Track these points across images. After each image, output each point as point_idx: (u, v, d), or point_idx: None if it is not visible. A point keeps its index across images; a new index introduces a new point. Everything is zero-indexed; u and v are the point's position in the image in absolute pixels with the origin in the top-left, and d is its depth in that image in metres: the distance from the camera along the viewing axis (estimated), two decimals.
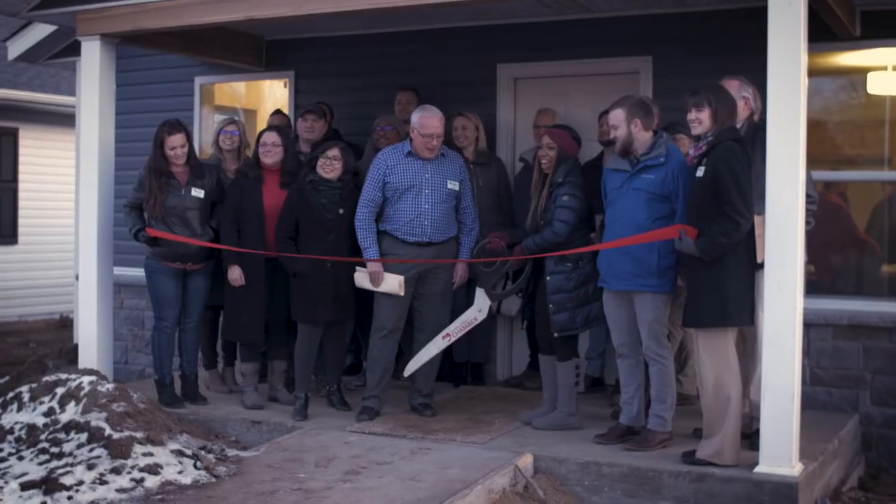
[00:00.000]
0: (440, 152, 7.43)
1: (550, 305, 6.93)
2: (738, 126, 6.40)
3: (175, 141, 7.65)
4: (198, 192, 7.72)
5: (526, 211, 7.41)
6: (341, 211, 7.46)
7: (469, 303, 8.07)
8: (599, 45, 8.72)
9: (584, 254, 6.87)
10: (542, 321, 7.05)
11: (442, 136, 7.38)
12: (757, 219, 6.02)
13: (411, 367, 7.40)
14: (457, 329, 7.35)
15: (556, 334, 6.96)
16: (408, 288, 7.34)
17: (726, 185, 5.94)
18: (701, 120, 6.16)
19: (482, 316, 7.35)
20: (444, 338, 7.34)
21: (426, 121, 7.32)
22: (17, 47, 11.74)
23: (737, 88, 6.47)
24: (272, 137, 7.75)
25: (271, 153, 7.71)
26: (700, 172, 6.11)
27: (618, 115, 6.54)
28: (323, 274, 7.39)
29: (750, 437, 6.38)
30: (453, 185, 7.45)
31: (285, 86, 10.39)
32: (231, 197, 7.74)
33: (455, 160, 7.59)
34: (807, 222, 6.33)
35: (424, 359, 7.37)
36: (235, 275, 7.64)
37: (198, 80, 10.68)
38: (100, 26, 8.19)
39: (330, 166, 7.48)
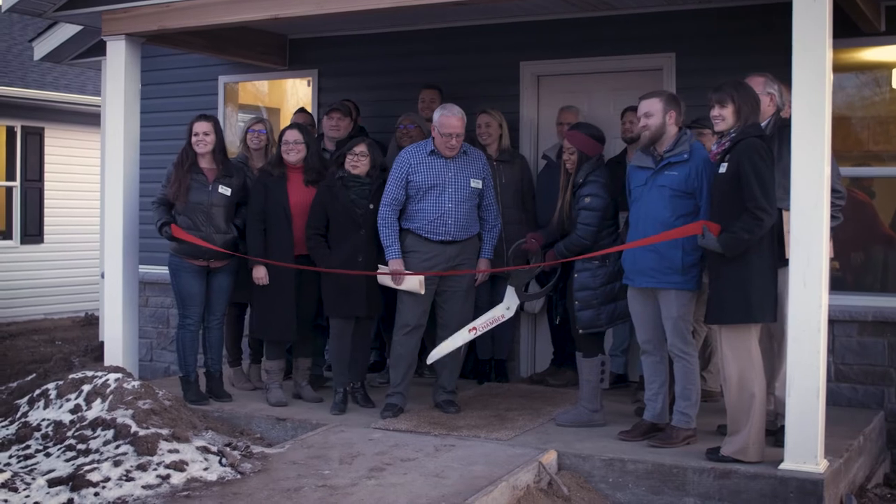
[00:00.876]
0: (462, 150, 7.44)
1: (576, 302, 6.93)
2: (765, 122, 6.38)
3: (200, 127, 7.74)
4: (224, 190, 7.76)
5: (548, 208, 7.42)
6: (371, 206, 7.48)
7: (491, 299, 8.11)
8: (622, 43, 8.71)
9: (612, 253, 6.87)
10: (572, 318, 7.06)
11: (462, 135, 7.37)
12: (785, 214, 6.01)
13: (435, 355, 7.40)
14: (483, 324, 7.36)
15: (581, 331, 6.96)
16: (431, 285, 7.35)
17: (749, 181, 5.93)
18: (724, 116, 6.13)
19: (510, 314, 7.37)
20: (470, 331, 7.35)
21: (445, 120, 7.33)
22: (42, 47, 11.83)
23: (762, 85, 6.44)
24: (294, 135, 7.78)
25: (293, 151, 7.74)
26: (723, 168, 6.09)
27: (654, 104, 6.50)
28: (355, 269, 7.42)
29: (775, 433, 6.37)
30: (476, 184, 7.45)
31: (308, 84, 10.42)
32: (256, 196, 7.76)
33: (477, 158, 7.59)
34: (834, 217, 6.30)
35: (449, 349, 7.37)
36: (260, 274, 7.67)
37: (222, 79, 10.74)
38: (125, 26, 8.24)
39: (357, 162, 7.51)
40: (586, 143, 6.98)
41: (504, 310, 7.34)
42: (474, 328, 7.36)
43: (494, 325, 7.41)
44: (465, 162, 7.46)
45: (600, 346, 7.13)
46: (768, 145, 6.13)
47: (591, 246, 6.89)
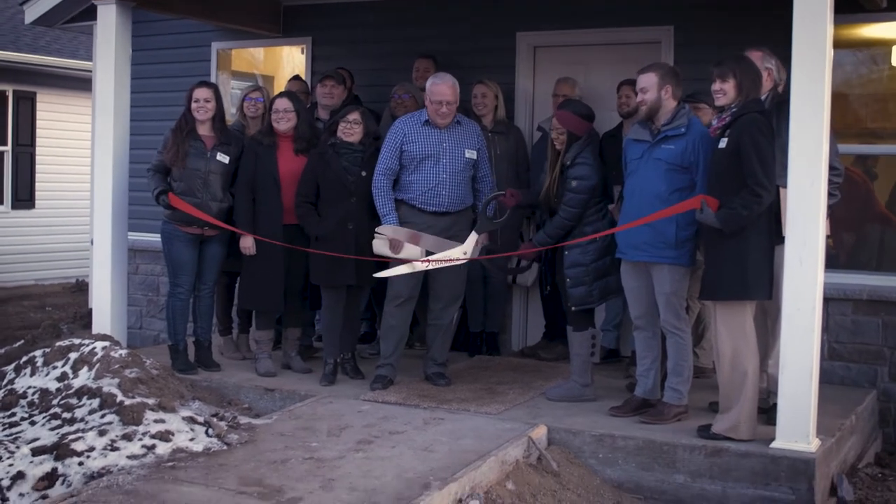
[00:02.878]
0: (455, 119, 7.36)
1: (567, 279, 6.87)
2: (763, 98, 6.30)
3: (200, 93, 7.65)
4: (223, 158, 7.66)
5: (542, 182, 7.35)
6: (364, 173, 7.40)
7: (484, 273, 8.07)
8: (621, 14, 8.61)
9: (601, 227, 6.80)
10: (564, 294, 6.99)
11: (453, 103, 7.28)
12: (783, 192, 5.94)
13: (384, 273, 7.12)
14: (438, 260, 7.12)
15: (573, 308, 6.90)
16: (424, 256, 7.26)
17: (749, 156, 5.86)
18: (725, 91, 6.05)
19: (465, 258, 7.21)
20: (423, 262, 7.15)
21: (435, 87, 7.27)
22: (33, 11, 11.60)
23: (759, 59, 6.35)
24: (284, 103, 7.69)
25: (283, 119, 7.65)
26: (723, 144, 6.02)
27: (649, 79, 6.42)
28: (345, 237, 7.36)
29: (767, 411, 6.33)
30: (471, 154, 7.38)
31: (302, 52, 10.32)
32: (245, 164, 7.67)
33: (472, 128, 7.51)
34: (832, 195, 6.23)
35: (397, 272, 7.11)
36: (248, 243, 7.59)
37: (214, 46, 10.62)
38: None
39: (350, 130, 7.43)
40: (575, 123, 6.87)
41: (461, 253, 7.18)
42: (427, 260, 7.15)
43: (448, 264, 7.16)
44: (459, 132, 7.38)
45: (591, 320, 7.07)
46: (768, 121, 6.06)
47: (575, 226, 6.83)
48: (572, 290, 6.88)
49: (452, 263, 7.16)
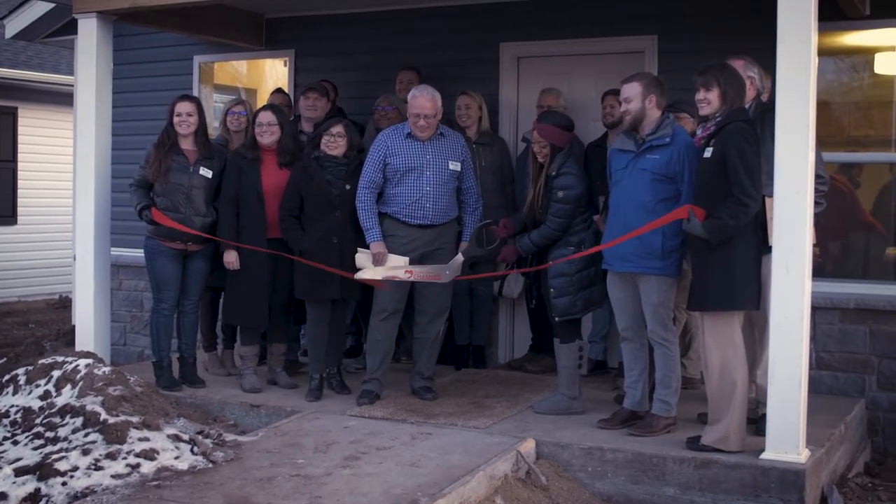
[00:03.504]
0: (439, 132, 7.32)
1: (551, 289, 6.83)
2: (746, 107, 6.28)
3: (183, 107, 7.59)
4: (206, 172, 7.61)
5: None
6: (348, 187, 7.36)
7: (471, 284, 8.05)
8: (604, 24, 8.60)
9: (586, 237, 6.78)
10: (548, 305, 6.96)
11: (432, 116, 7.22)
12: (768, 201, 5.91)
13: (360, 275, 7.18)
14: (420, 274, 7.16)
15: (556, 318, 6.86)
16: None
17: (735, 166, 5.83)
18: (709, 100, 6.03)
19: (446, 279, 7.21)
20: (405, 272, 7.14)
21: (414, 100, 7.25)
22: (14, 25, 11.61)
23: (742, 68, 6.33)
24: (267, 117, 7.64)
25: (267, 132, 7.60)
26: (708, 153, 5.99)
27: (633, 89, 6.39)
28: (330, 251, 7.30)
29: (756, 422, 6.30)
30: (455, 166, 7.34)
31: (285, 65, 10.28)
32: (229, 178, 7.61)
33: (456, 140, 7.47)
34: (818, 203, 6.21)
35: (377, 276, 7.16)
36: (230, 258, 7.53)
37: (197, 59, 10.57)
38: (96, 4, 8.04)
39: (334, 143, 7.39)
40: (556, 134, 6.84)
41: (444, 272, 7.17)
42: (410, 272, 7.15)
43: (429, 280, 7.19)
44: (442, 144, 7.34)
45: (578, 332, 7.03)
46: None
47: (561, 236, 6.81)
48: (556, 301, 6.85)
49: (432, 281, 7.15)
